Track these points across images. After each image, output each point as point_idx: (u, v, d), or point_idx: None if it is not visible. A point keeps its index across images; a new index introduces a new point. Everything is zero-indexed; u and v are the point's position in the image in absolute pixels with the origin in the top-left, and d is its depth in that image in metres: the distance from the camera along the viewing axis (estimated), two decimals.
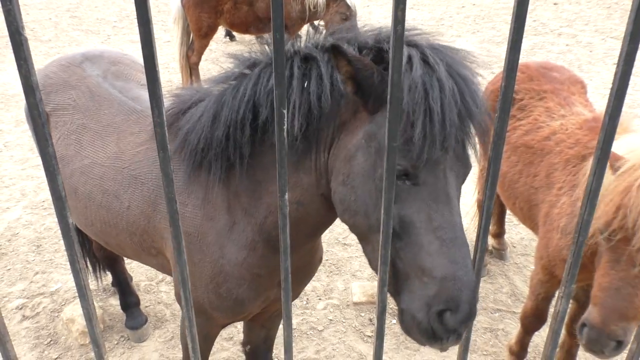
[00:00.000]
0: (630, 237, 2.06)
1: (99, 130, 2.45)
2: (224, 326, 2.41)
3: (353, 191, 1.58)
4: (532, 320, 3.10)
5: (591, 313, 2.15)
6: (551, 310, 2.45)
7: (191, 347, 1.53)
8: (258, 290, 2.08)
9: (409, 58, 1.52)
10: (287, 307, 1.44)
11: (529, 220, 3.14)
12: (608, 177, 2.28)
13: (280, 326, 2.73)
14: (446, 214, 1.48)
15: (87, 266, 3.62)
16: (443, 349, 1.56)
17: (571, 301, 3.07)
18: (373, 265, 1.65)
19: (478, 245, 1.38)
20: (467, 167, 1.59)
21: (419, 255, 1.47)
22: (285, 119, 1.18)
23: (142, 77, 2.87)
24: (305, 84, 1.66)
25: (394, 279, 1.56)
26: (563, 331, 3.15)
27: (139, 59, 3.20)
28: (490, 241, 4.43)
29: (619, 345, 2.13)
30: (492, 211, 1.35)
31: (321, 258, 2.39)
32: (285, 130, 1.19)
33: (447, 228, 1.47)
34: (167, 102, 2.13)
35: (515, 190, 3.17)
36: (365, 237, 1.63)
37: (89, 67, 2.74)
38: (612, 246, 2.13)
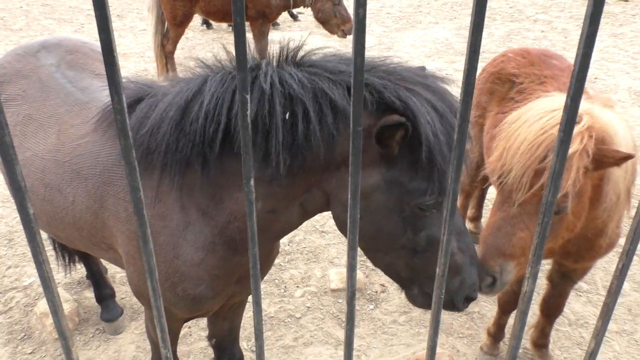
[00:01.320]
0: (516, 183, 2.19)
1: (43, 122, 2.38)
2: (185, 321, 2.38)
3: (373, 224, 1.76)
4: (506, 300, 3.15)
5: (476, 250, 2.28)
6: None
7: (161, 337, 1.52)
8: (216, 290, 2.06)
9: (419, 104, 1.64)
10: (256, 294, 1.43)
11: None
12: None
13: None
14: (458, 222, 1.82)
15: (59, 259, 3.57)
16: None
17: (546, 282, 3.13)
18: (378, 263, 1.90)
19: (445, 228, 1.39)
20: None
21: None
22: (248, 105, 1.17)
23: (100, 66, 2.73)
24: (287, 115, 1.68)
25: (413, 278, 1.87)
26: (537, 311, 3.21)
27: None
28: (468, 225, 4.49)
29: (494, 282, 2.27)
30: (458, 195, 1.36)
31: (278, 252, 2.45)
32: (249, 116, 1.18)
33: (461, 231, 1.83)
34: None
35: None
36: (377, 251, 1.86)
37: (44, 56, 2.66)
38: (500, 189, 2.29)
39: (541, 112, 2.26)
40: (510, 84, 3.43)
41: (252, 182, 1.28)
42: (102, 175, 2.07)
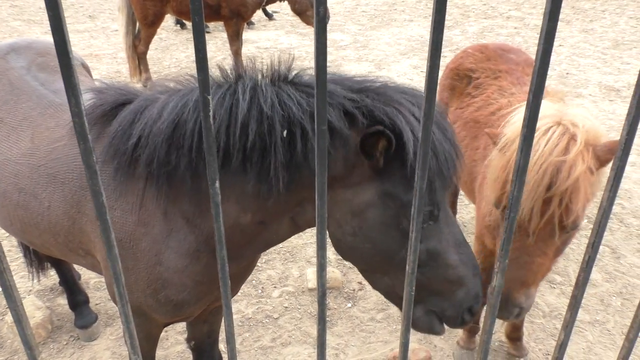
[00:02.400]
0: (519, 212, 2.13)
1: (15, 125, 2.32)
2: (165, 325, 2.36)
3: (369, 241, 1.76)
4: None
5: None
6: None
7: (129, 343, 1.49)
8: (199, 296, 2.05)
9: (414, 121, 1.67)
10: (226, 298, 1.42)
11: (471, 193, 3.20)
12: (493, 152, 2.37)
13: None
14: (455, 232, 1.81)
15: (30, 266, 3.49)
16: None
17: None
18: (378, 286, 1.89)
19: (414, 225, 1.39)
20: (453, 182, 1.84)
21: (447, 272, 1.79)
22: (210, 106, 1.15)
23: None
24: (285, 132, 1.70)
25: (416, 298, 1.81)
26: None
27: (75, 50, 3.08)
28: None
29: (521, 310, 2.26)
30: (424, 192, 1.36)
31: (259, 258, 2.46)
32: (211, 117, 1.17)
33: (461, 242, 1.81)
34: (89, 96, 2.05)
35: None
36: (375, 272, 1.85)
37: (14, 58, 2.61)
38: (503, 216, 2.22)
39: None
40: (467, 79, 3.47)
41: (217, 184, 1.26)
42: (80, 180, 2.02)
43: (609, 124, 6.46)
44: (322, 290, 1.43)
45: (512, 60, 3.41)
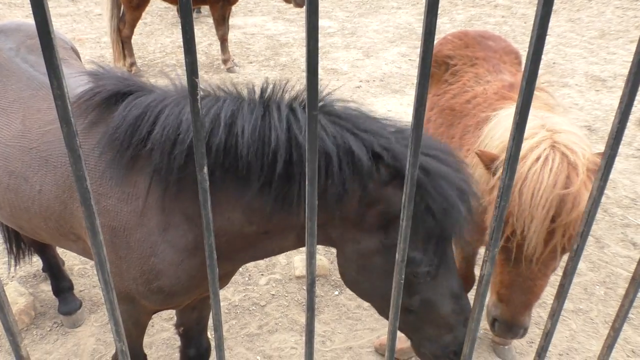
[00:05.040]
0: (521, 243, 2.13)
1: (5, 107, 2.27)
2: (154, 312, 2.34)
3: (370, 281, 1.81)
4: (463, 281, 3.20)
5: (500, 309, 2.30)
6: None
7: (114, 330, 1.47)
8: (191, 288, 2.04)
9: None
10: (213, 284, 1.40)
11: None
12: (486, 178, 2.35)
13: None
14: (453, 284, 1.83)
15: (11, 252, 3.44)
16: None
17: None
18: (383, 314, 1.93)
19: (404, 213, 1.38)
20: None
21: (438, 319, 1.84)
22: (198, 89, 1.12)
23: (64, 53, 2.71)
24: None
25: (411, 327, 1.90)
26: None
27: (62, 33, 3.02)
28: None
29: (525, 330, 2.35)
30: (416, 179, 1.35)
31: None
32: (199, 100, 1.14)
33: (457, 294, 1.84)
34: (85, 79, 2.00)
35: None
36: (380, 307, 1.93)
37: (2, 40, 2.54)
38: (506, 248, 2.20)
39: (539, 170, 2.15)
40: (445, 66, 3.45)
41: (205, 170, 1.23)
42: None
43: (594, 114, 6.50)
44: (311, 278, 1.41)
45: (490, 48, 3.39)
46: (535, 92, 2.61)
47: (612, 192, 4.97)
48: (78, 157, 1.13)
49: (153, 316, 3.51)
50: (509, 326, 2.30)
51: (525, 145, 2.18)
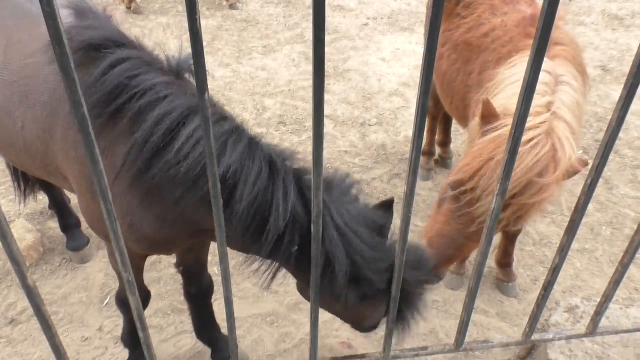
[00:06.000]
0: (474, 202, 2.21)
1: None
2: (147, 256, 2.34)
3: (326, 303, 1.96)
4: None
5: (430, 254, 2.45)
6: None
7: (120, 260, 1.46)
8: (176, 243, 2.04)
9: None
10: (218, 216, 1.37)
11: (463, 120, 3.13)
12: (477, 130, 2.35)
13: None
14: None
15: (18, 189, 3.43)
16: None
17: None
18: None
19: (414, 144, 1.33)
20: None
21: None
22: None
23: None
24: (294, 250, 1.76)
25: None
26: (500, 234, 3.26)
27: None
28: (437, 150, 4.47)
29: (441, 279, 2.52)
30: (427, 109, 1.29)
31: None
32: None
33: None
34: (67, 12, 1.88)
35: (452, 89, 3.14)
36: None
37: None
38: (455, 200, 2.28)
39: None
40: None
41: (206, 95, 1.18)
42: (50, 105, 1.89)
43: (610, 54, 6.30)
44: (317, 210, 1.39)
45: None
46: (564, 47, 2.54)
47: (624, 134, 4.88)
48: (73, 80, 1.08)
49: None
50: (427, 270, 2.48)
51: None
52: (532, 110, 2.27)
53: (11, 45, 2.08)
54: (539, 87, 2.37)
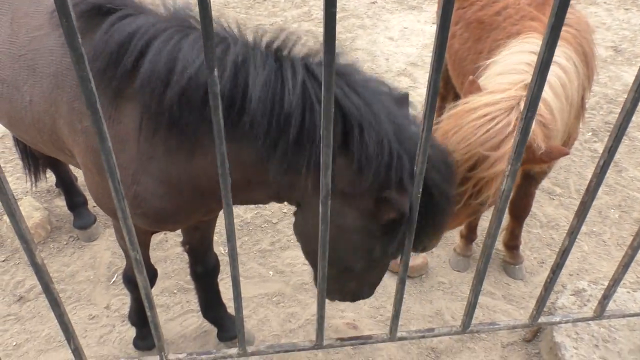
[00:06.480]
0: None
1: None
2: (153, 233, 2.33)
3: (336, 252, 1.72)
4: None
5: None
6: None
7: (128, 239, 1.46)
8: (179, 218, 2.00)
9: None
10: (226, 194, 1.36)
11: None
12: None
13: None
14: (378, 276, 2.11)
15: (25, 167, 3.44)
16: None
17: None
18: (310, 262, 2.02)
19: (424, 124, 1.31)
20: None
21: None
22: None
23: None
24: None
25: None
26: (507, 214, 3.25)
27: None
28: None
29: (423, 250, 2.52)
30: (439, 87, 1.27)
31: None
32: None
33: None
34: None
35: (463, 67, 3.10)
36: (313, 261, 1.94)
37: None
38: None
39: (487, 104, 2.21)
40: None
41: (215, 72, 1.16)
42: (56, 77, 1.87)
43: (622, 34, 6.20)
44: (325, 191, 1.38)
45: None
46: (566, 27, 2.50)
47: (635, 116, 4.82)
48: (80, 55, 1.06)
49: (167, 232, 3.57)
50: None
51: (486, 99, 2.23)
52: (501, 87, 2.29)
53: (17, 19, 2.06)
54: (520, 66, 2.36)
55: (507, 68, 2.40)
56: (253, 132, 1.62)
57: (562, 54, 2.41)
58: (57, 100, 1.89)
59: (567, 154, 2.19)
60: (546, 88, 2.30)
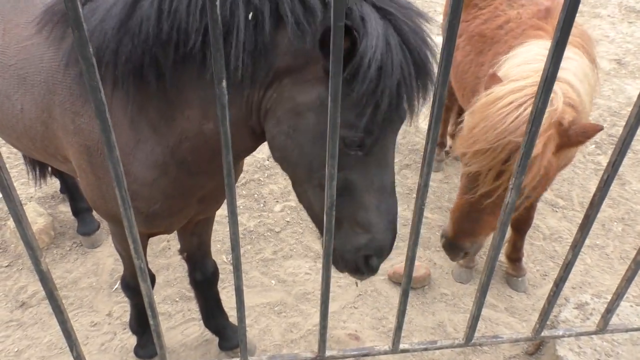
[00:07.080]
0: (478, 175, 2.28)
1: None
2: (149, 236, 2.33)
3: (298, 146, 1.59)
4: None
5: (448, 228, 2.55)
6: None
7: (133, 248, 1.47)
8: (172, 210, 1.99)
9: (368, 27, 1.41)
10: (231, 202, 1.37)
11: None
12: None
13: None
14: (384, 178, 1.62)
15: (30, 172, 3.45)
16: (361, 279, 1.83)
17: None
18: (302, 200, 1.75)
19: (429, 135, 1.32)
20: (403, 121, 1.62)
21: (357, 212, 1.63)
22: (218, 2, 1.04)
23: None
24: (250, 15, 1.46)
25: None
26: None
27: None
28: (448, 142, 4.45)
29: (467, 254, 2.57)
30: (444, 100, 1.28)
31: (242, 171, 2.33)
32: (218, 7, 1.06)
33: (384, 190, 1.63)
34: None
35: (464, 80, 3.12)
36: (300, 184, 1.70)
37: None
38: (466, 173, 2.35)
39: (513, 93, 2.20)
40: None
41: (224, 83, 1.17)
42: (47, 83, 1.90)
43: (625, 47, 6.22)
44: (330, 201, 1.39)
45: None
46: (573, 37, 2.52)
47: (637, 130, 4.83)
48: (91, 65, 1.07)
49: (170, 239, 3.57)
50: (450, 245, 2.53)
51: (510, 86, 2.23)
52: (524, 74, 2.30)
53: (8, 30, 2.09)
54: (539, 57, 2.39)
55: (527, 58, 2.43)
56: (203, 62, 1.55)
57: (576, 54, 2.44)
58: (49, 105, 1.92)
59: (601, 129, 2.15)
60: (570, 74, 2.31)
